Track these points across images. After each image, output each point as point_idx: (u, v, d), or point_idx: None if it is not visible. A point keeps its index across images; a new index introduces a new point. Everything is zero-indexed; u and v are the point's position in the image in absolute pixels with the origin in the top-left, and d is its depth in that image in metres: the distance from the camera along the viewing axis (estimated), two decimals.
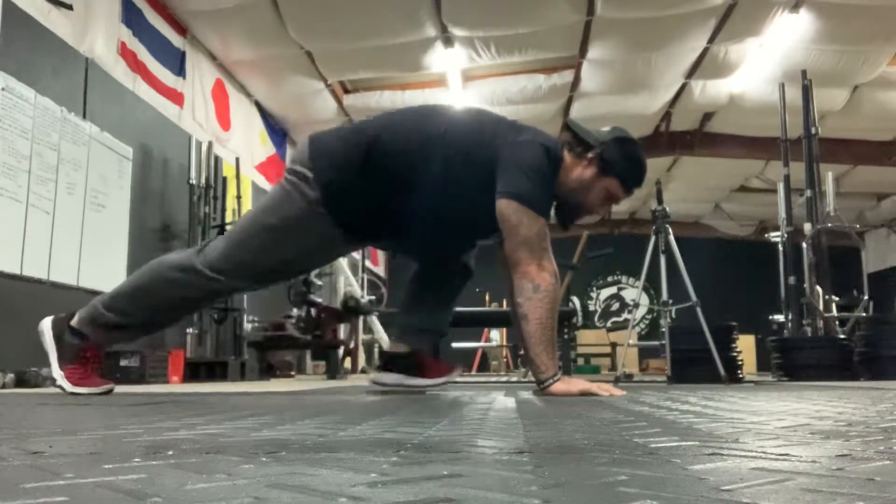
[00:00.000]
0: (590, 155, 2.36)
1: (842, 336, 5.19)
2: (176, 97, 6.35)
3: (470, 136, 2.30)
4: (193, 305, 2.67)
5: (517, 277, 2.25)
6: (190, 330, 5.92)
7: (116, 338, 2.50)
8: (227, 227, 6.42)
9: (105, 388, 2.44)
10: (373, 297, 8.44)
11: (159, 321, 2.52)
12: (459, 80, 7.90)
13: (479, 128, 2.34)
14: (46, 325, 2.43)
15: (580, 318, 6.69)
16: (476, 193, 2.25)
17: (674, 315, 4.89)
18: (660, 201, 4.61)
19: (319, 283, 6.90)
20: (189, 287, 2.33)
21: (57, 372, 2.39)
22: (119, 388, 2.82)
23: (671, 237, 4.51)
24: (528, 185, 2.21)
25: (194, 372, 5.41)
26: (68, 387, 2.37)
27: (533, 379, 2.33)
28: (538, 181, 2.22)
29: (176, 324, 2.88)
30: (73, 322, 2.41)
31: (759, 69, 7.65)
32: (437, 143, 2.26)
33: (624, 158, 2.38)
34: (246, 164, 7.71)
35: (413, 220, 2.33)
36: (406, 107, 2.46)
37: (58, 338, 2.40)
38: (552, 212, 2.46)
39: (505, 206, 2.20)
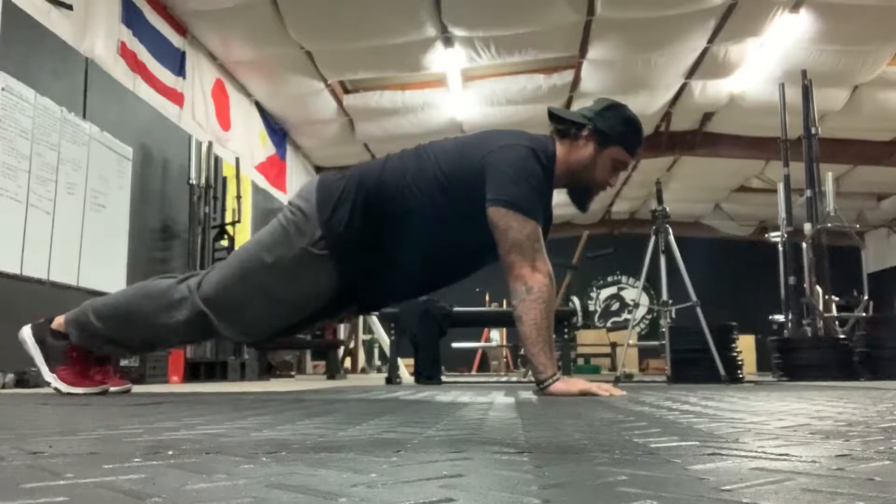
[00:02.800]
0: (584, 133, 2.35)
1: (842, 336, 5.19)
2: (176, 97, 6.35)
3: (453, 163, 2.26)
4: (178, 338, 2.53)
5: (511, 280, 2.25)
6: None
7: (99, 346, 2.44)
8: (227, 228, 6.42)
9: (101, 387, 2.43)
10: None
11: (141, 343, 2.49)
12: (459, 80, 7.90)
13: (459, 152, 2.29)
14: (26, 331, 2.42)
15: (580, 318, 6.70)
16: (475, 217, 2.23)
17: (674, 315, 4.89)
18: (660, 201, 4.61)
19: None
20: (176, 313, 2.28)
21: (49, 375, 2.38)
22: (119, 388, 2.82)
23: (671, 237, 4.51)
24: (514, 188, 2.20)
25: (194, 372, 5.41)
26: (63, 388, 2.36)
27: (533, 379, 2.33)
28: (524, 183, 2.21)
29: (160, 349, 2.80)
30: (55, 325, 2.41)
31: (759, 69, 7.65)
32: (428, 181, 2.23)
33: (618, 123, 2.37)
34: (246, 164, 7.71)
35: (414, 267, 2.31)
36: (396, 153, 2.39)
37: (40, 342, 2.39)
38: (561, 210, 2.46)
39: (493, 213, 2.19)
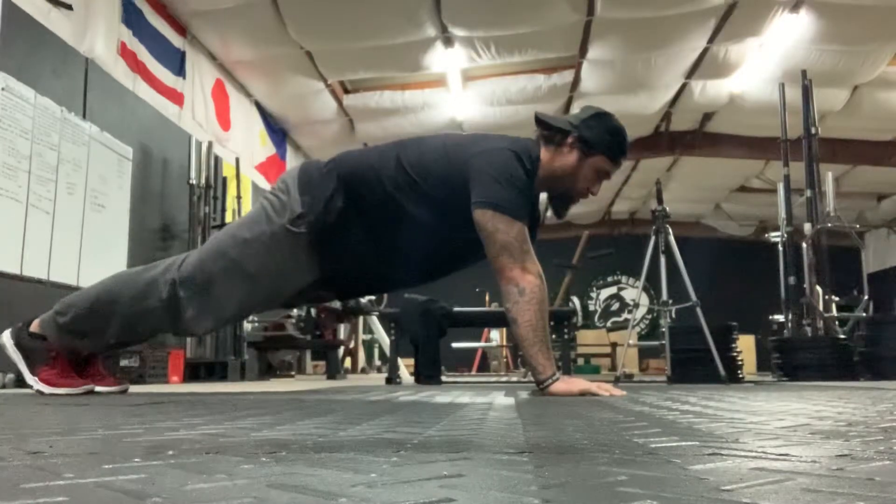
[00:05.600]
0: (569, 140, 2.35)
1: (842, 336, 5.19)
2: (176, 97, 6.35)
3: (438, 161, 2.27)
4: (150, 325, 2.43)
5: (503, 283, 2.25)
6: None
7: (72, 342, 2.40)
8: None
9: (85, 387, 2.41)
10: (373, 297, 8.44)
11: (115, 334, 2.40)
12: (459, 80, 7.90)
13: (443, 150, 2.30)
14: (6, 336, 2.43)
15: (580, 318, 6.70)
16: (454, 215, 2.23)
17: (674, 315, 4.89)
18: (660, 201, 4.62)
19: None
20: (150, 298, 2.28)
21: (31, 378, 2.37)
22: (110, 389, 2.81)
23: (671, 237, 4.51)
24: (500, 191, 2.20)
25: (194, 372, 5.41)
26: (46, 389, 2.34)
27: (533, 379, 2.33)
28: (509, 185, 2.21)
29: (134, 343, 2.77)
30: (33, 327, 2.40)
31: (759, 69, 7.65)
32: (406, 177, 2.24)
33: (603, 132, 2.37)
34: (246, 164, 7.71)
35: (397, 251, 2.32)
36: (379, 145, 2.43)
37: (19, 345, 2.38)
38: (543, 205, 2.47)
39: (480, 216, 2.20)
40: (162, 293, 2.29)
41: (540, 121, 2.41)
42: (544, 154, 2.37)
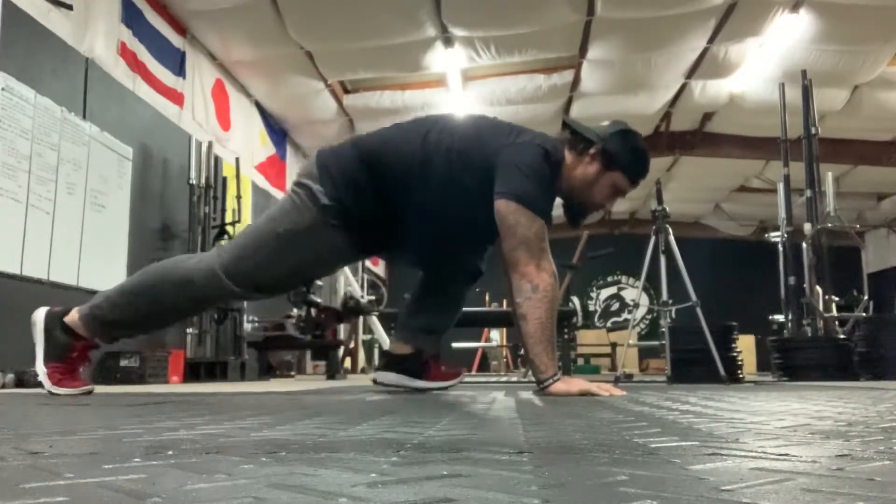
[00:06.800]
0: (592, 151, 2.36)
1: (842, 336, 5.19)
2: (176, 97, 6.35)
3: (468, 142, 2.30)
4: (196, 308, 2.55)
5: (516, 278, 2.24)
6: (190, 330, 5.92)
7: (115, 334, 2.41)
8: (227, 228, 6.42)
9: (85, 388, 2.39)
10: (373, 298, 8.45)
11: (159, 321, 2.48)
12: (459, 80, 7.90)
13: (476, 134, 2.33)
14: (40, 316, 2.38)
15: (580, 318, 6.70)
16: (477, 199, 2.25)
17: (674, 315, 4.89)
18: (660, 201, 4.61)
19: (319, 283, 6.89)
20: (200, 289, 2.28)
21: (40, 367, 2.34)
22: (119, 388, 2.82)
23: (671, 237, 4.51)
24: (526, 185, 2.21)
25: (194, 372, 5.41)
26: (48, 385, 2.32)
27: (533, 379, 2.33)
28: (536, 182, 2.22)
29: (174, 325, 2.80)
30: (68, 318, 2.36)
31: (759, 69, 7.65)
32: (435, 153, 2.26)
33: (627, 150, 2.38)
34: (246, 164, 7.71)
35: (417, 229, 2.36)
36: (404, 121, 2.46)
37: (48, 332, 2.34)
38: (560, 211, 2.48)
39: (503, 207, 2.20)
40: (207, 285, 2.29)
41: (567, 125, 2.42)
42: (567, 157, 2.38)
